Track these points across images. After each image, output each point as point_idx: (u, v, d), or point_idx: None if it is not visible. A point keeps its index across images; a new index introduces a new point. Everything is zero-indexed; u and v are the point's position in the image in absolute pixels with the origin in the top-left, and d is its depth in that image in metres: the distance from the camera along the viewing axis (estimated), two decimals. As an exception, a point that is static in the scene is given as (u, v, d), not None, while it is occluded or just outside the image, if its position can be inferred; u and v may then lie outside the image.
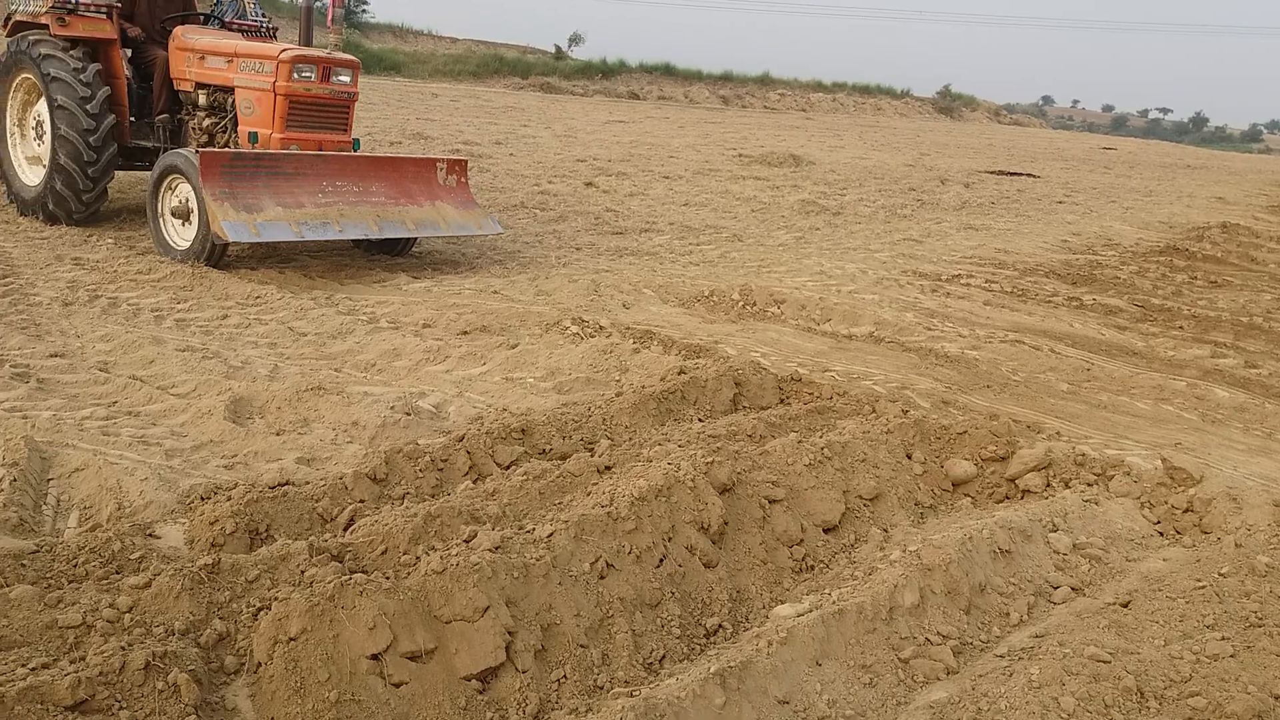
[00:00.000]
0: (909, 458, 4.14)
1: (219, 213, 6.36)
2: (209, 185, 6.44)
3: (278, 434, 4.17)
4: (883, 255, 9.51)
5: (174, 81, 7.93)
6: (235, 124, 7.52)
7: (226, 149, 7.24)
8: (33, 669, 2.24)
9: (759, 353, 5.76)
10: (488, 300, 6.64)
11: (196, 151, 6.60)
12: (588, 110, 28.31)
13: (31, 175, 8.13)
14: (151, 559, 2.91)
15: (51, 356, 4.81)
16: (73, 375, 4.60)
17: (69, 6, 7.61)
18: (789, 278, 7.97)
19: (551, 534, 2.94)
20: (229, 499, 3.25)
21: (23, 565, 2.78)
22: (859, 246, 9.98)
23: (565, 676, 2.68)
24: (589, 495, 3.33)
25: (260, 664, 2.44)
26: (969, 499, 4.10)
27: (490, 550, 2.79)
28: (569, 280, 7.37)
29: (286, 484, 3.48)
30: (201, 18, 8.37)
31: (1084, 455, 4.30)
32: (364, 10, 45.02)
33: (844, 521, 3.63)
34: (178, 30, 7.91)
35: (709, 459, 3.46)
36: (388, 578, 2.66)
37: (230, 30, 8.27)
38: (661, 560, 3.09)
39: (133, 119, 7.97)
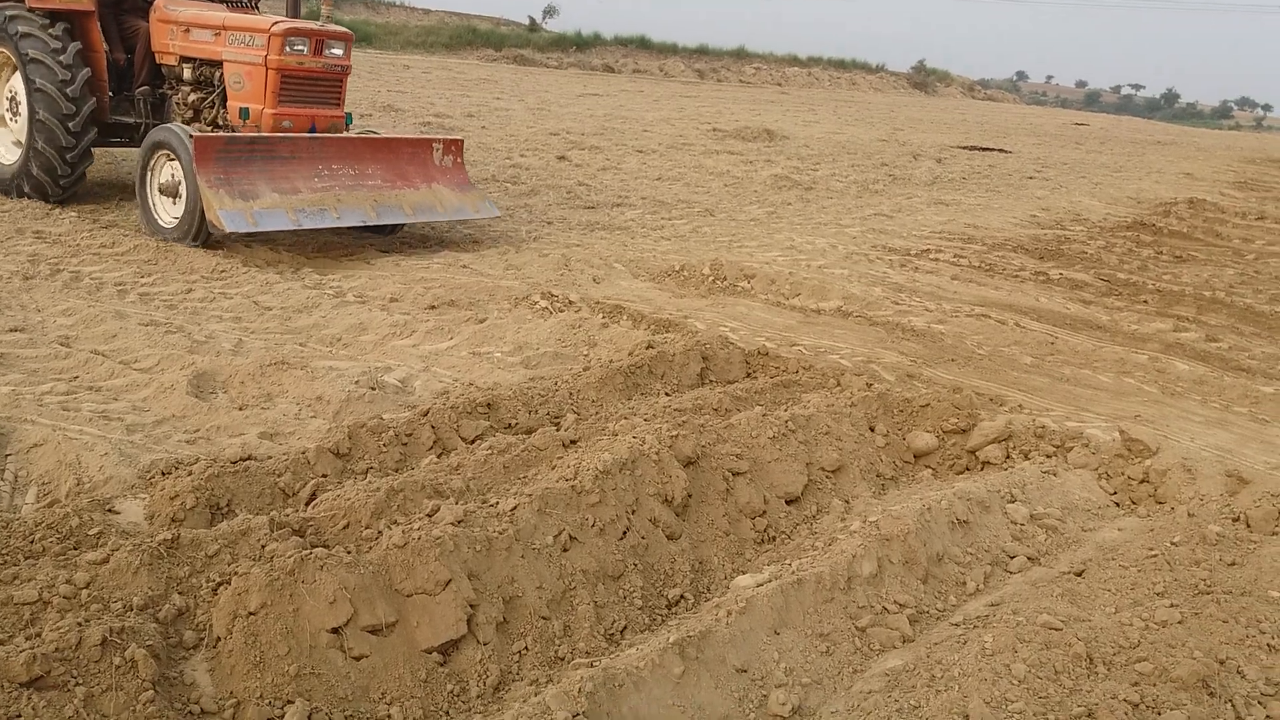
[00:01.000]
0: (872, 430, 4.18)
1: (215, 201, 6.16)
2: (203, 171, 6.23)
3: (241, 409, 4.14)
4: (853, 230, 9.54)
5: (155, 55, 7.68)
6: (224, 99, 7.30)
7: (220, 133, 6.98)
8: (-13, 645, 2.23)
9: (728, 327, 5.77)
10: (456, 274, 6.61)
11: (191, 136, 6.37)
12: (561, 83, 28.07)
13: (5, 154, 7.81)
14: (110, 534, 2.90)
15: (11, 331, 4.74)
16: (33, 350, 4.55)
17: None
18: (760, 253, 7.99)
19: (515, 507, 2.96)
20: (190, 474, 3.24)
21: (-21, 541, 2.76)
22: (830, 221, 10.00)
23: (527, 648, 2.71)
24: (554, 469, 3.35)
25: (219, 638, 2.44)
26: (930, 470, 4.15)
27: (453, 524, 2.80)
28: (539, 255, 7.35)
29: (248, 459, 3.47)
30: None
31: (1044, 427, 4.36)
32: (336, -19, 44.32)
33: (806, 493, 3.67)
34: (159, 1, 7.63)
35: (674, 432, 3.49)
36: (349, 552, 2.67)
37: (213, 1, 8.01)
38: (625, 533, 3.11)
39: (111, 94, 7.70)
